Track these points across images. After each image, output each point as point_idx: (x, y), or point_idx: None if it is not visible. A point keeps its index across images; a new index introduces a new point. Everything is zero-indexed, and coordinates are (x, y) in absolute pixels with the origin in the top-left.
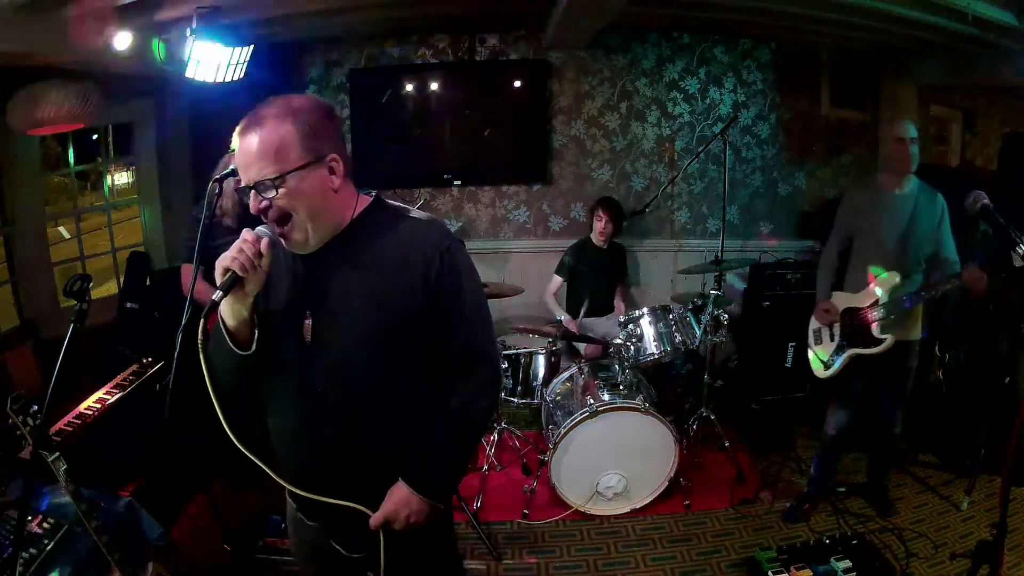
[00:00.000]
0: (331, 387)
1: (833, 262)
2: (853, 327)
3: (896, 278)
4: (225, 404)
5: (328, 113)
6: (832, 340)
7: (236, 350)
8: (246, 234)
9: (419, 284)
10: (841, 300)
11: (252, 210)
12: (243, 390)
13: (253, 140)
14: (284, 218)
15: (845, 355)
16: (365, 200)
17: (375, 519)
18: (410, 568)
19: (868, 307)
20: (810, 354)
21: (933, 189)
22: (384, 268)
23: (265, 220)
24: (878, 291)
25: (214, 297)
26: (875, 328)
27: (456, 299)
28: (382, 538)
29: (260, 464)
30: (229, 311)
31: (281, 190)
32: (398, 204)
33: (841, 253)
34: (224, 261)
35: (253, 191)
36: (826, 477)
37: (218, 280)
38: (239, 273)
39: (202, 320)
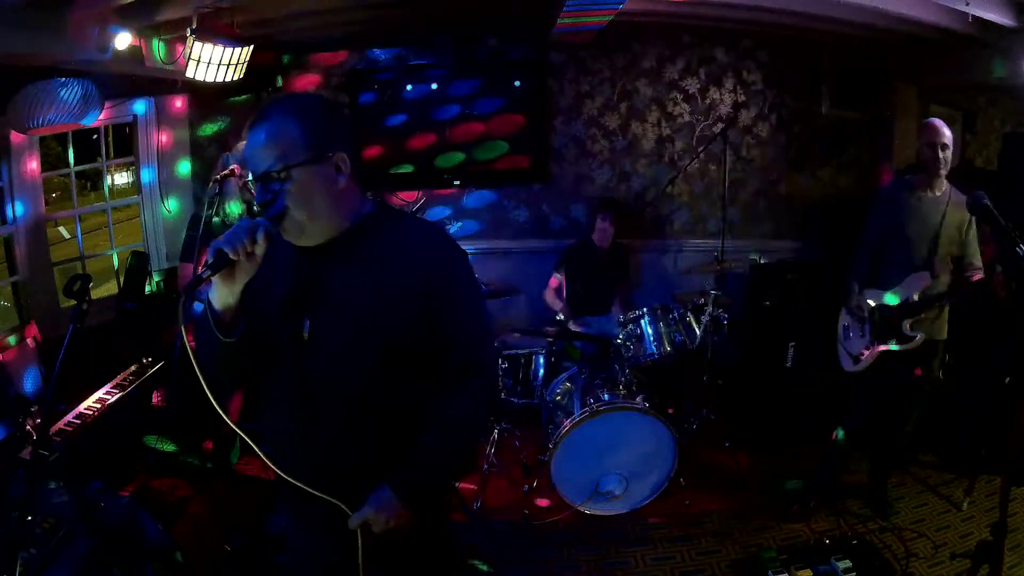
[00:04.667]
0: (327, 385)
1: (866, 261)
2: (884, 324)
3: (927, 277)
4: (213, 385)
5: (336, 111)
6: (863, 336)
7: (219, 335)
8: (244, 221)
9: (419, 290)
10: (872, 297)
11: (256, 202)
12: (228, 377)
13: (260, 134)
14: (284, 212)
15: (875, 351)
16: (370, 202)
17: (354, 520)
18: (405, 573)
19: (899, 305)
20: (839, 349)
21: (962, 194)
22: (384, 272)
23: (267, 213)
24: (909, 290)
25: (200, 273)
26: (906, 326)
27: (455, 307)
28: (360, 539)
29: (249, 442)
30: (216, 294)
31: (287, 184)
32: (402, 208)
33: (874, 252)
34: (218, 242)
35: (259, 184)
36: (833, 478)
37: (210, 260)
38: (230, 255)
39: (183, 296)
